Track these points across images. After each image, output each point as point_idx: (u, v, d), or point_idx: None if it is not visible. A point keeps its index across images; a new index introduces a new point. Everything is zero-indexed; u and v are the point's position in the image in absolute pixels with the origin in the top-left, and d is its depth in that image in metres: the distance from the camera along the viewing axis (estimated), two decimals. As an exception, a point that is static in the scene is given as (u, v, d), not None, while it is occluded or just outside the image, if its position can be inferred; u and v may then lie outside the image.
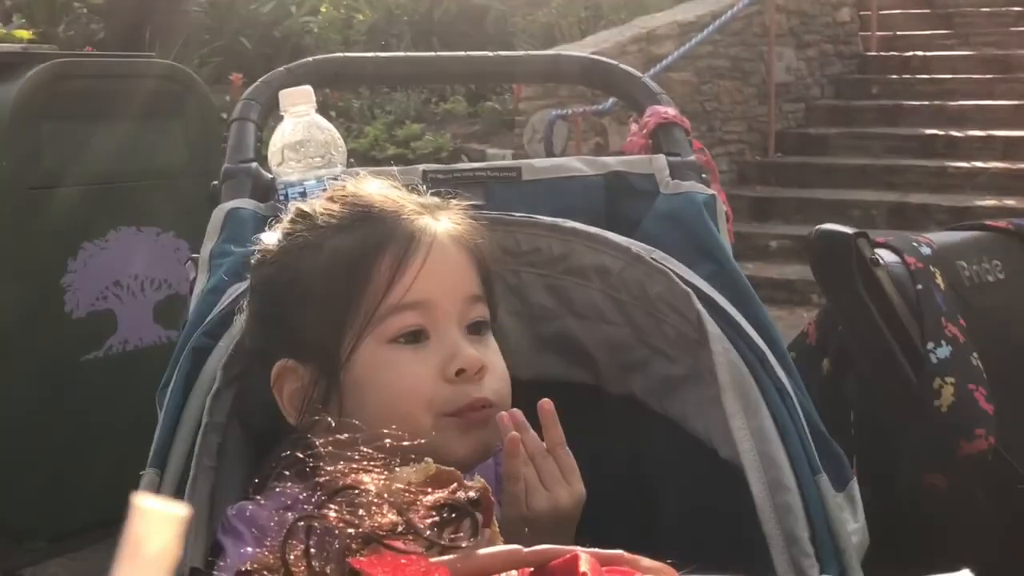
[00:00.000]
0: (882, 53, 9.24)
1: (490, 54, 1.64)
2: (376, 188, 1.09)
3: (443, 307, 1.04)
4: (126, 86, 3.38)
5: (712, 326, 1.19)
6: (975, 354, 1.62)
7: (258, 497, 0.94)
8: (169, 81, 3.44)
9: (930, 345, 1.60)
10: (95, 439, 3.12)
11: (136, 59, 3.91)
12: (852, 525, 1.14)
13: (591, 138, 6.87)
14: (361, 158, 7.37)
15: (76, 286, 3.20)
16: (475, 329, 1.07)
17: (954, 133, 7.77)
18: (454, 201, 1.13)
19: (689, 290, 1.22)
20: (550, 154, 6.37)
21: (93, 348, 3.23)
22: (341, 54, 1.61)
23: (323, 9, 9.59)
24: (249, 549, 0.66)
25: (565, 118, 6.44)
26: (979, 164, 7.36)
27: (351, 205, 1.07)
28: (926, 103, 8.25)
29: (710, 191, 1.44)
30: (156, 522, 0.43)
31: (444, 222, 1.08)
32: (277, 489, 0.75)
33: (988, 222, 1.95)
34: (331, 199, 1.09)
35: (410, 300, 1.03)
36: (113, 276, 3.27)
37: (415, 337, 1.04)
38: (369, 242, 1.03)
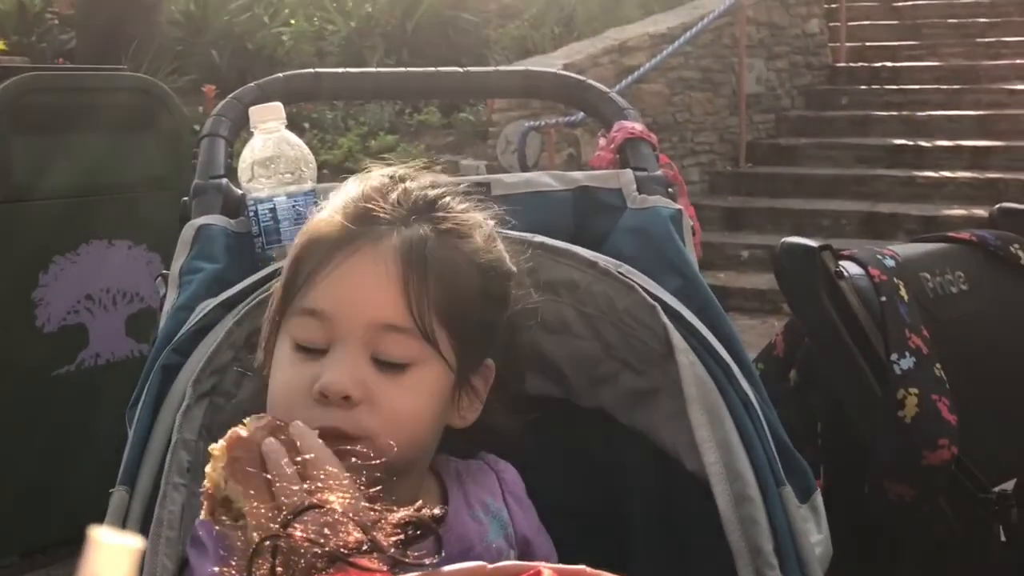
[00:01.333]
0: (851, 64, 9.33)
1: (459, 70, 1.65)
2: (366, 185, 1.06)
3: (343, 325, 0.99)
4: (98, 99, 3.38)
5: (678, 339, 1.21)
6: (938, 365, 1.65)
7: None
8: (142, 94, 3.44)
9: (894, 356, 1.63)
10: (68, 453, 3.11)
11: (109, 72, 3.90)
12: (816, 536, 1.16)
13: (564, 149, 6.89)
14: (335, 169, 7.36)
15: (47, 300, 3.19)
16: (387, 357, 1.00)
17: (922, 143, 7.85)
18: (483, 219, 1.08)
19: (656, 304, 1.23)
20: (523, 165, 6.39)
21: (65, 362, 3.22)
22: (312, 70, 1.62)
23: (292, 22, 9.58)
24: (216, 569, 0.66)
25: (538, 130, 6.46)
26: (947, 173, 7.44)
27: (338, 199, 1.07)
28: (895, 113, 8.34)
29: (676, 206, 1.46)
30: (111, 555, 0.43)
31: (392, 239, 1.01)
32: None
33: (951, 234, 1.98)
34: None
35: (310, 307, 1.01)
36: (85, 290, 3.26)
37: (307, 346, 1.01)
38: (314, 238, 1.04)
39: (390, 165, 1.11)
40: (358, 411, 0.98)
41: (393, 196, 1.04)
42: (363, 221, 1.02)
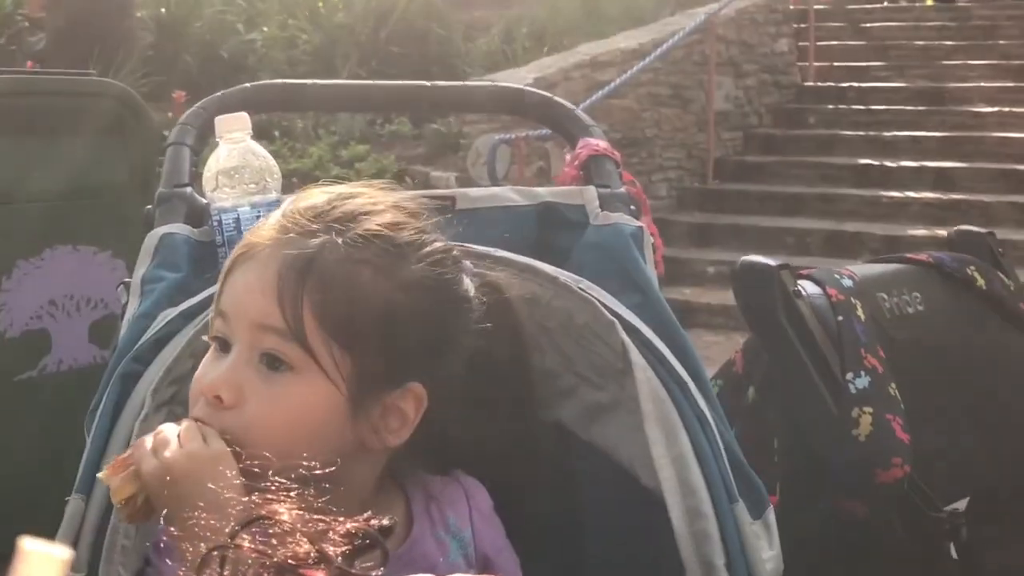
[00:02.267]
0: (819, 83, 9.43)
1: (427, 84, 1.66)
2: (302, 200, 1.06)
3: (233, 324, 1.02)
4: (66, 104, 3.36)
5: (636, 355, 1.22)
6: (893, 384, 1.67)
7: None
8: (111, 100, 3.42)
9: (849, 375, 1.65)
10: (29, 459, 3.08)
11: (77, 77, 3.88)
12: (767, 553, 1.18)
13: (534, 162, 6.92)
14: (305, 178, 7.35)
15: (10, 305, 3.16)
16: (268, 362, 1.00)
17: (888, 163, 7.94)
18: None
19: (615, 320, 1.24)
20: (493, 177, 6.41)
21: (27, 368, 3.20)
22: (279, 80, 1.62)
23: (264, 29, 9.56)
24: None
25: (508, 142, 6.49)
26: (911, 194, 7.53)
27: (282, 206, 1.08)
28: (861, 133, 8.43)
29: (638, 223, 1.48)
30: (40, 565, 0.44)
31: (287, 246, 1.01)
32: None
33: (909, 255, 2.01)
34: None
35: (218, 307, 1.04)
36: (48, 295, 3.24)
37: (222, 344, 1.03)
38: (241, 245, 1.06)
39: (361, 181, 1.11)
40: (228, 414, 0.99)
41: (319, 209, 1.03)
42: (278, 230, 1.03)
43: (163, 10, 9.57)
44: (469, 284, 1.10)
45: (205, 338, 1.08)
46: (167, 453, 0.95)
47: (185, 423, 1.00)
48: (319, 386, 1.00)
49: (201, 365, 1.05)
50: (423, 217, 1.08)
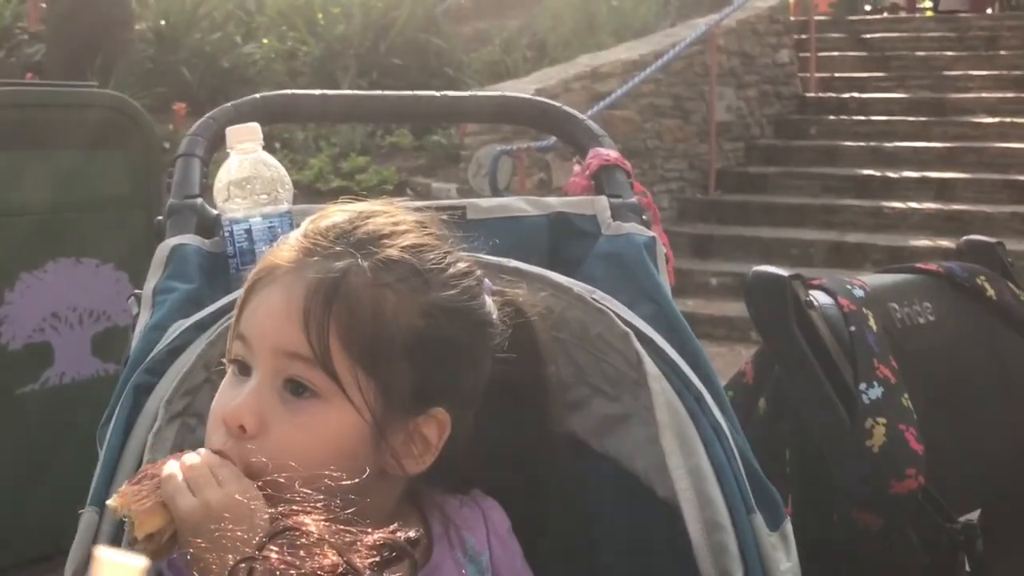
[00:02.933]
0: (820, 94, 9.44)
1: (436, 93, 1.66)
2: (323, 219, 1.05)
3: (256, 349, 1.00)
4: (70, 116, 3.36)
5: (651, 366, 1.21)
6: (906, 395, 1.67)
7: None
8: (113, 112, 3.42)
9: (862, 386, 1.64)
10: (31, 473, 3.07)
11: (79, 89, 3.88)
12: (785, 564, 1.17)
13: (535, 173, 6.92)
14: (305, 190, 7.36)
15: (12, 318, 3.15)
16: (292, 388, 0.99)
17: (890, 174, 7.94)
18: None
19: (629, 330, 1.24)
20: (494, 189, 6.41)
21: (29, 381, 3.19)
22: (288, 91, 1.62)
23: (265, 41, 9.57)
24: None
25: (510, 154, 6.49)
26: (914, 204, 7.53)
27: (302, 225, 1.06)
28: (863, 144, 8.44)
29: (650, 233, 1.47)
30: (116, 574, 0.44)
31: (310, 270, 0.99)
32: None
33: (919, 265, 2.00)
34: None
35: (238, 330, 1.02)
36: (51, 308, 3.23)
37: (242, 367, 1.02)
38: (261, 266, 1.04)
39: (381, 198, 1.09)
40: (248, 442, 0.97)
41: (341, 229, 1.02)
42: (300, 252, 1.01)
43: (163, 22, 9.58)
44: (491, 305, 1.09)
45: (223, 361, 1.06)
46: (209, 494, 0.91)
47: (212, 457, 0.96)
48: (344, 413, 0.98)
49: (220, 390, 1.03)
50: (445, 237, 1.08)
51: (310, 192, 7.44)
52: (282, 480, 0.80)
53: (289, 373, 0.98)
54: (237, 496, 0.91)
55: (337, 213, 1.05)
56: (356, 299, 0.98)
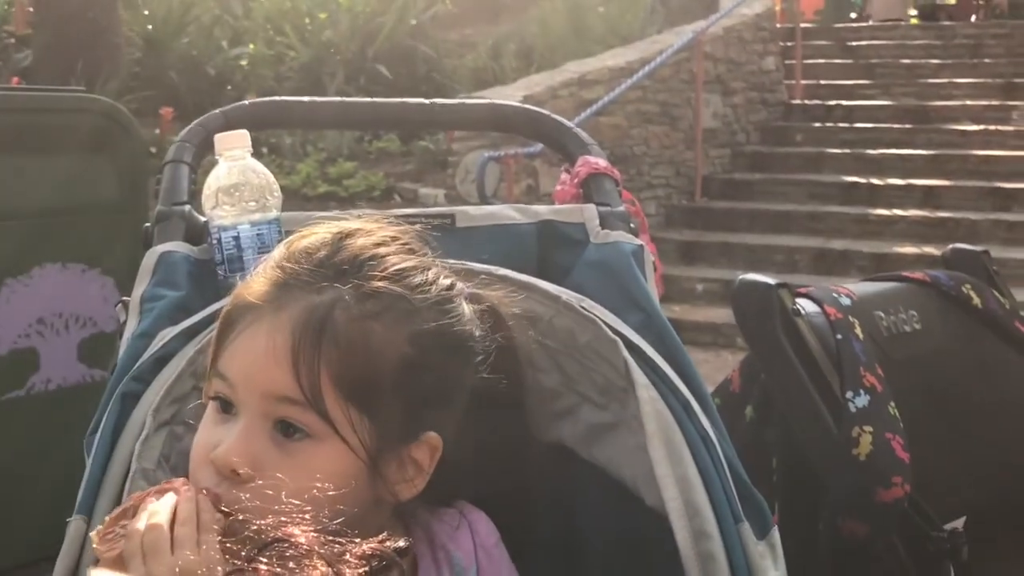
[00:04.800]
0: (806, 101, 9.48)
1: (426, 101, 1.65)
2: (300, 243, 1.03)
3: (241, 392, 0.98)
4: (55, 120, 3.34)
5: (639, 375, 1.22)
6: (892, 403, 1.67)
7: None
8: (99, 116, 3.41)
9: (849, 394, 1.65)
10: (16, 479, 3.05)
11: (65, 93, 3.87)
12: (773, 573, 1.17)
13: (523, 180, 6.93)
14: (293, 195, 7.35)
15: (-2, 323, 3.14)
16: (282, 429, 0.96)
17: (875, 181, 7.98)
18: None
19: (617, 339, 1.24)
20: (482, 195, 6.41)
21: (15, 387, 3.17)
22: (278, 98, 1.62)
23: (252, 46, 9.56)
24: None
25: (497, 160, 6.49)
26: (899, 212, 7.57)
27: (277, 251, 1.04)
28: (848, 151, 8.48)
29: (638, 241, 1.47)
30: None
31: (293, 307, 0.96)
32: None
33: (905, 273, 2.01)
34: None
35: (219, 370, 1.00)
36: (37, 313, 3.21)
37: (224, 405, 0.99)
38: (238, 299, 1.01)
39: (355, 215, 1.07)
40: (242, 488, 0.94)
41: (319, 256, 1.00)
42: (279, 285, 0.99)
43: (150, 27, 9.56)
44: (470, 314, 1.08)
45: (203, 399, 1.03)
46: (156, 566, 0.87)
47: (187, 508, 0.91)
48: (338, 451, 0.96)
49: (202, 427, 1.01)
50: (425, 251, 1.06)
51: (297, 197, 7.43)
52: (283, 520, 0.79)
53: (279, 415, 0.96)
54: (190, 566, 0.86)
55: (312, 236, 1.03)
56: (344, 336, 0.96)
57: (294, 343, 0.95)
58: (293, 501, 0.89)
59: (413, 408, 1.00)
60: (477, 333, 1.07)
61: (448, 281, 1.06)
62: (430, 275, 1.04)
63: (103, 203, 3.37)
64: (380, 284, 0.99)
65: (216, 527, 0.87)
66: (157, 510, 0.90)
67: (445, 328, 1.03)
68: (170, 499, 0.91)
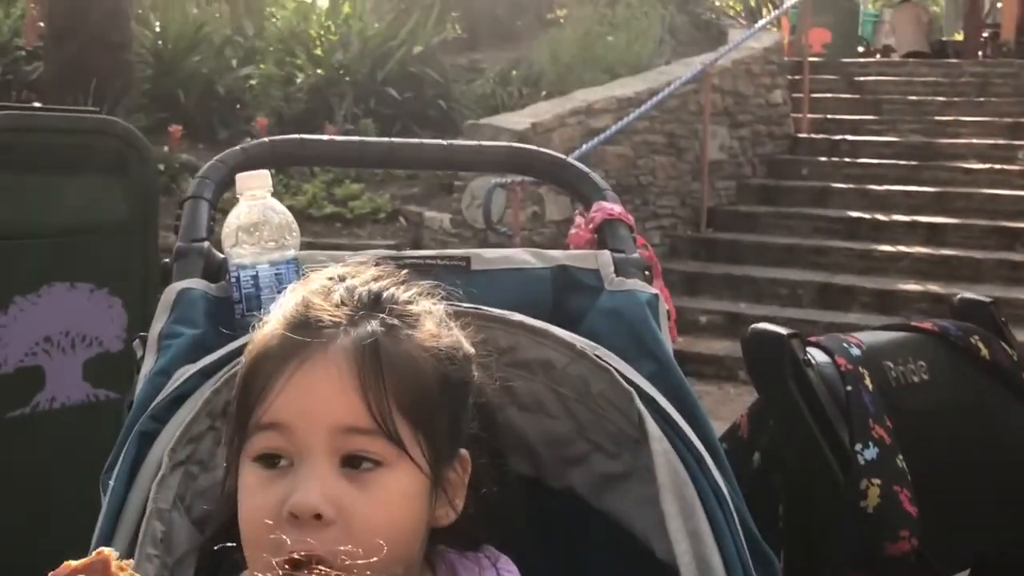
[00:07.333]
0: (812, 135, 9.50)
1: (443, 142, 1.67)
2: (307, 291, 1.04)
3: (303, 434, 0.97)
4: (70, 141, 3.35)
5: (653, 427, 1.22)
6: (900, 456, 1.68)
7: None
8: (116, 139, 3.41)
9: (858, 446, 1.65)
10: (20, 498, 3.05)
11: (81, 115, 3.88)
12: (780, 628, 1.18)
13: (528, 207, 6.94)
14: (299, 216, 7.30)
15: (5, 341, 3.14)
16: (350, 462, 0.97)
17: (880, 217, 7.99)
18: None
19: (631, 389, 1.24)
20: (488, 221, 6.43)
21: (20, 405, 3.17)
22: (297, 135, 1.63)
23: (262, 66, 9.60)
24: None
25: (504, 186, 6.51)
26: (903, 248, 7.57)
27: (279, 311, 1.05)
28: (853, 186, 8.49)
29: (653, 290, 1.48)
30: None
31: (341, 341, 0.98)
32: None
33: (914, 323, 2.02)
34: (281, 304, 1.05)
35: (268, 421, 0.98)
36: (44, 332, 3.21)
37: (272, 461, 0.98)
38: (261, 354, 1.01)
39: (370, 255, 1.12)
40: (331, 531, 0.94)
41: (336, 296, 1.02)
42: (307, 328, 1.00)
43: (160, 44, 9.61)
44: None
45: (249, 460, 1.00)
46: None
47: None
48: (408, 475, 0.99)
49: (249, 492, 0.98)
50: (405, 277, 1.09)
51: (303, 218, 7.45)
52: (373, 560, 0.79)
53: (348, 450, 0.97)
54: None
55: (316, 281, 1.05)
56: (398, 359, 1.00)
57: (359, 370, 0.97)
58: (377, 532, 0.92)
59: (452, 422, 1.05)
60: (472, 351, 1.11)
61: (439, 304, 1.10)
62: (428, 301, 1.08)
63: (114, 224, 3.37)
64: (401, 309, 1.03)
65: None
66: None
67: (456, 347, 1.07)
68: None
